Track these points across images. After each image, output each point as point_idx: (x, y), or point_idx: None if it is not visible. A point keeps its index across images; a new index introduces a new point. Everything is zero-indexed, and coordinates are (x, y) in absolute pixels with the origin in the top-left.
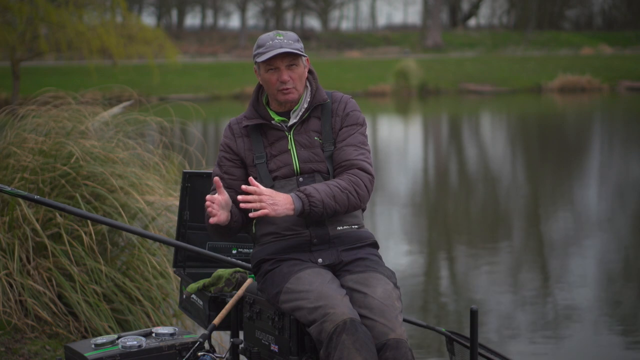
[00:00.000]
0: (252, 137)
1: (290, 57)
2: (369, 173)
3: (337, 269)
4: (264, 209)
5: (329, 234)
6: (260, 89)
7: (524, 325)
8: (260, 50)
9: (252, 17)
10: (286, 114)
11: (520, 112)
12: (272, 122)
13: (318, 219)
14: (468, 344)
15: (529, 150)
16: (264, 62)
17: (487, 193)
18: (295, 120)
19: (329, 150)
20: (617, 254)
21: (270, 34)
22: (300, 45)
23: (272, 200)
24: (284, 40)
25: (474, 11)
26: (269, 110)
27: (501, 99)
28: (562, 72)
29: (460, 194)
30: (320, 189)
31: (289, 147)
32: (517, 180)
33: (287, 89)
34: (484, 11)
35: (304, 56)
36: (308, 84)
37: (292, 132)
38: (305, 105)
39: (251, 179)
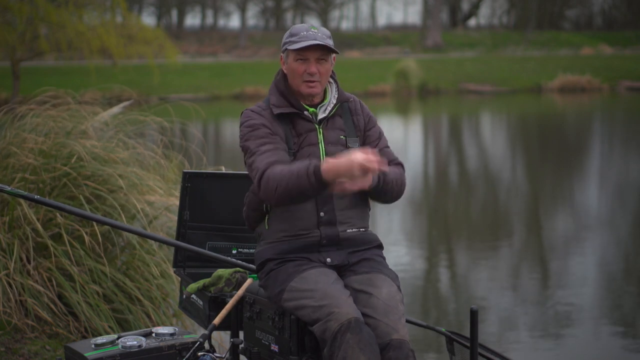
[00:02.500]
0: (282, 126)
1: (321, 51)
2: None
3: (342, 270)
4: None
5: (338, 236)
6: (283, 78)
7: (524, 325)
8: (293, 39)
9: (252, 17)
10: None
11: (520, 112)
12: (305, 112)
13: (375, 196)
14: (468, 344)
15: (529, 150)
16: (295, 50)
17: (487, 193)
18: (324, 115)
19: (355, 147)
20: (617, 254)
21: (305, 25)
22: (332, 42)
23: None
24: (318, 34)
25: (474, 11)
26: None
27: (501, 99)
28: (562, 72)
29: (460, 194)
30: (390, 170)
31: (318, 141)
32: (517, 180)
33: (312, 81)
34: (484, 11)
35: (335, 53)
36: (332, 81)
37: (321, 126)
38: (334, 101)
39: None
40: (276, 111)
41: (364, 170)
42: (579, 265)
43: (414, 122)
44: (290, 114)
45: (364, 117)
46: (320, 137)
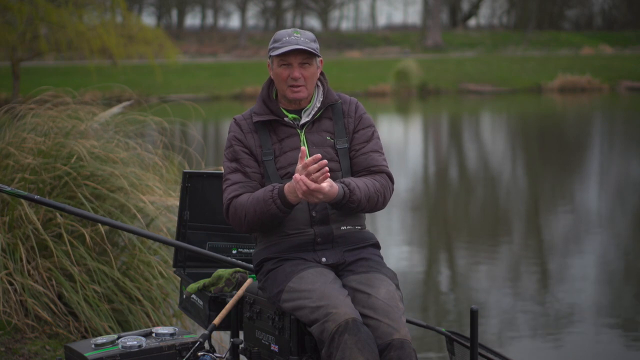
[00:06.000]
0: (260, 133)
1: (304, 55)
2: (392, 182)
3: (339, 269)
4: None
5: (333, 233)
6: (270, 84)
7: (524, 325)
8: (276, 44)
9: (252, 17)
10: (296, 112)
11: (520, 112)
12: (285, 119)
13: (343, 212)
14: (468, 344)
15: (529, 150)
16: (277, 56)
17: (487, 193)
18: (307, 119)
19: (344, 147)
20: (617, 253)
21: (288, 30)
22: (316, 45)
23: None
24: (301, 38)
25: (474, 11)
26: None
27: (501, 99)
28: (562, 72)
29: (460, 194)
30: (361, 187)
31: (301, 145)
32: (517, 180)
33: (297, 86)
34: (484, 11)
35: (318, 56)
36: (320, 84)
37: (304, 131)
38: (318, 105)
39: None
40: (255, 119)
41: (310, 175)
42: (579, 265)
43: (414, 122)
44: (270, 120)
45: (354, 119)
46: (304, 140)
